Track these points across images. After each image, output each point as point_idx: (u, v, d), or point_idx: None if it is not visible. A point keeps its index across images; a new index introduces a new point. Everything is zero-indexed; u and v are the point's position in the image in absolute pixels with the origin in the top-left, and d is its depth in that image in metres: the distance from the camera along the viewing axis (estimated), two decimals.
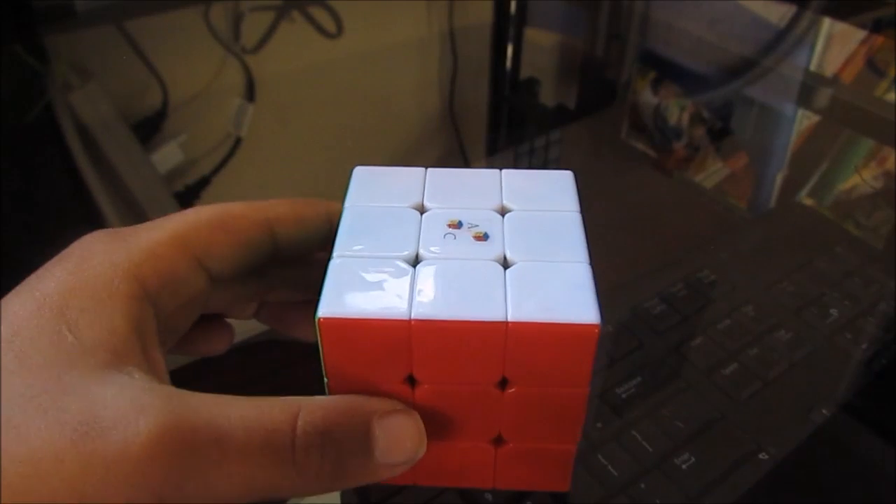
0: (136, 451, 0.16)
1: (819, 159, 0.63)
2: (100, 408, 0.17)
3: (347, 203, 0.23)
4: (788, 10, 0.68)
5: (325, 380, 0.21)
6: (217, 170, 0.75)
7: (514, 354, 0.20)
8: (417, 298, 0.19)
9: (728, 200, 0.68)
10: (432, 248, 0.21)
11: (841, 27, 0.67)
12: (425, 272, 0.20)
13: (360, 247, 0.21)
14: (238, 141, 0.75)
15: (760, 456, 0.35)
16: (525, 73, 0.86)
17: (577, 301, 0.19)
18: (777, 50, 0.69)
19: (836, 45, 0.67)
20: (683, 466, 0.35)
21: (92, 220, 0.63)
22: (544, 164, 0.71)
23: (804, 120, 0.66)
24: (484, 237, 0.22)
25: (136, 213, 0.68)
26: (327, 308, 0.19)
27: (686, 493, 0.34)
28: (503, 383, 0.21)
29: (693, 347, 0.41)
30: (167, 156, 0.69)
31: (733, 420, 0.37)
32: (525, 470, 0.23)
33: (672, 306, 0.44)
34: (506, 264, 0.21)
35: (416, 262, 0.21)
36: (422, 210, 0.23)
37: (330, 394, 0.21)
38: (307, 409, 0.19)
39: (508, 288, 0.20)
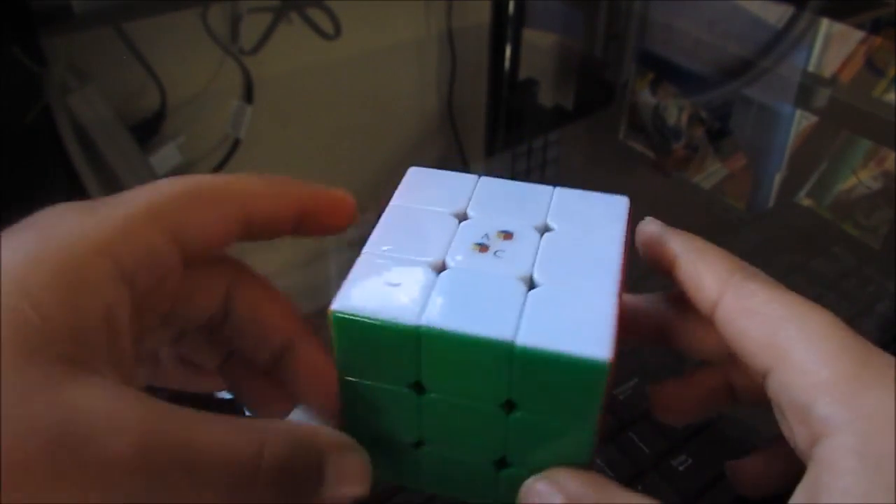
0: (112, 467, 0.16)
1: (817, 160, 0.63)
2: (74, 415, 0.16)
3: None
4: (787, 11, 0.68)
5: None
6: (215, 171, 0.75)
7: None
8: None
9: (726, 201, 0.68)
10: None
11: (839, 28, 0.67)
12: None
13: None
14: (236, 143, 0.75)
15: None
16: (523, 73, 0.86)
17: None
18: (775, 50, 0.69)
19: (835, 45, 0.67)
20: (680, 468, 0.35)
21: None
22: (543, 165, 0.71)
23: (802, 120, 0.66)
24: (511, 236, 0.22)
25: None
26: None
27: (683, 495, 0.33)
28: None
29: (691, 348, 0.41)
30: (165, 157, 0.69)
31: (730, 421, 0.37)
32: None
33: None
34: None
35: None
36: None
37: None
38: (271, 440, 0.19)
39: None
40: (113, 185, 0.64)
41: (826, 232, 0.55)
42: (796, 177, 0.64)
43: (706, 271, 0.22)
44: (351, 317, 0.19)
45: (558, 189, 0.24)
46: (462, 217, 0.23)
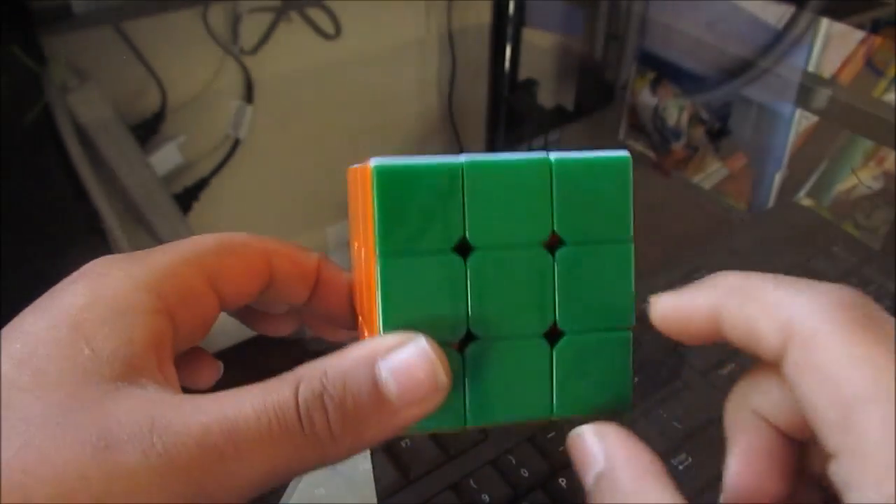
0: (155, 461, 0.17)
1: (817, 160, 0.63)
2: (113, 422, 0.17)
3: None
4: (787, 11, 0.68)
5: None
6: (216, 171, 0.75)
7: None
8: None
9: (726, 201, 0.68)
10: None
11: (839, 27, 0.67)
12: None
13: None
14: (237, 142, 0.75)
15: None
16: (523, 73, 0.86)
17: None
18: (775, 50, 0.69)
19: (835, 45, 0.67)
20: (680, 467, 0.35)
21: (91, 222, 0.63)
22: None
23: (802, 120, 0.66)
24: None
25: (134, 215, 0.68)
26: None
27: (683, 495, 0.33)
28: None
29: (691, 348, 0.41)
30: (166, 157, 0.69)
31: None
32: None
33: None
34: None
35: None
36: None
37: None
38: (306, 376, 0.18)
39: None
40: (113, 184, 0.64)
41: (826, 232, 0.55)
42: (796, 177, 0.64)
43: (762, 316, 0.19)
44: (393, 167, 0.20)
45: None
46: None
